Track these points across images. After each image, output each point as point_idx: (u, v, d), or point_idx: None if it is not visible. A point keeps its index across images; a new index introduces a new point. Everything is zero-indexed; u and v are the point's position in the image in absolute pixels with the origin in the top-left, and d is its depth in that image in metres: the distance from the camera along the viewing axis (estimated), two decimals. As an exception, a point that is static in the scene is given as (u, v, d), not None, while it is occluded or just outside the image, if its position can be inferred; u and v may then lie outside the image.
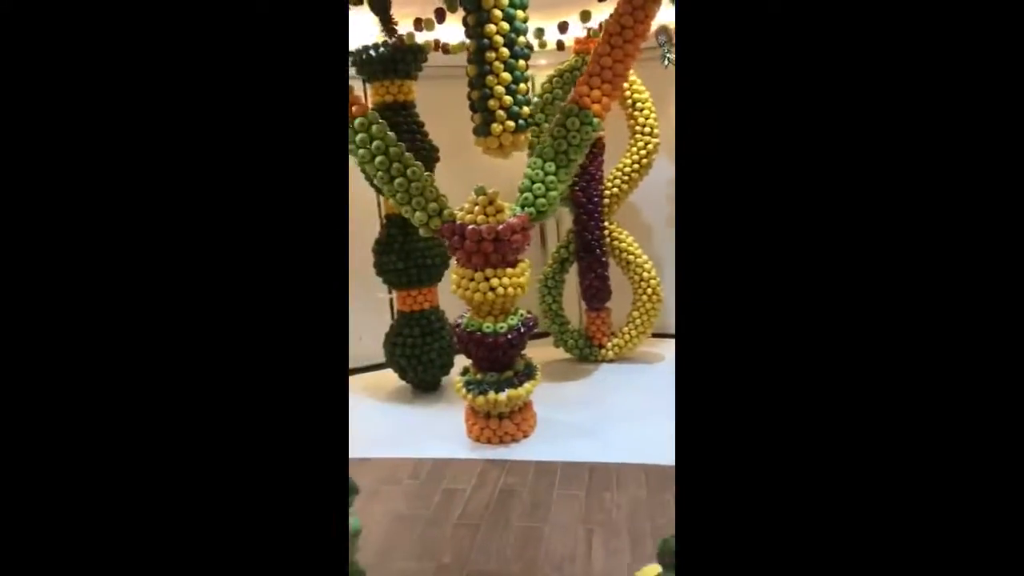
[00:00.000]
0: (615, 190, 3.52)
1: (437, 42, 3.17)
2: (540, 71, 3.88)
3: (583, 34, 3.30)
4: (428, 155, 3.17)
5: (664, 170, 3.76)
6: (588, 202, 3.45)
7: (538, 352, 3.90)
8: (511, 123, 2.27)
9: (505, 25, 2.19)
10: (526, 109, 2.31)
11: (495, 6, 2.16)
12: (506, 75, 2.23)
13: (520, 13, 2.22)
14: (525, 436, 2.85)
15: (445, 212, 2.56)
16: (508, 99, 2.25)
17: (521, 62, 2.27)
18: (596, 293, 3.57)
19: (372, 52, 2.90)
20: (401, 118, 3.09)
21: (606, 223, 3.55)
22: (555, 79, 3.35)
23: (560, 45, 3.40)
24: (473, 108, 2.35)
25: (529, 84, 2.36)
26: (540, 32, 3.07)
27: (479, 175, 2.98)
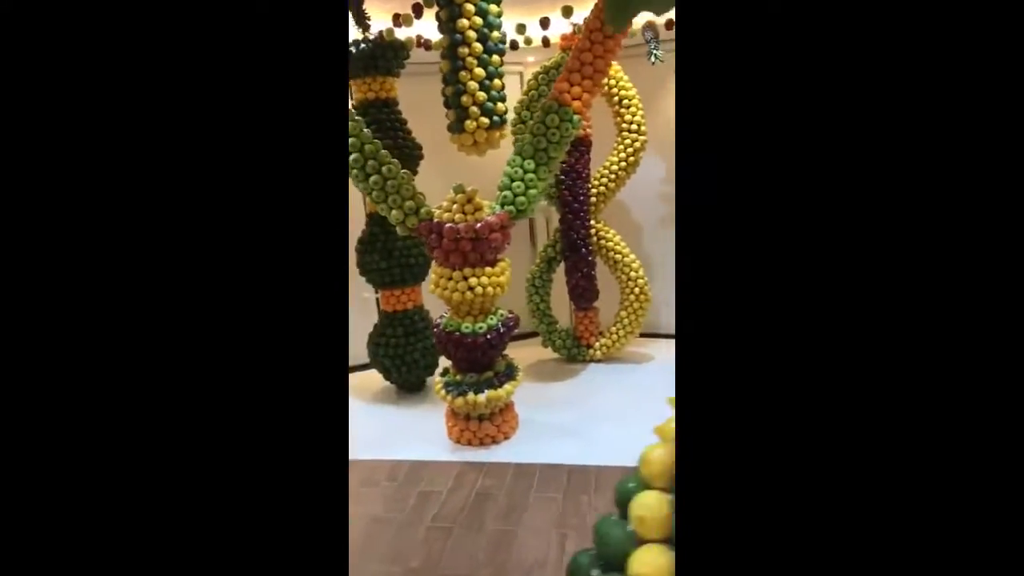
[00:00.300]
0: (602, 188, 3.47)
1: (419, 38, 3.14)
2: (528, 68, 3.85)
3: (568, 30, 3.26)
4: (411, 153, 3.13)
5: (655, 169, 3.71)
6: (574, 201, 3.41)
7: (526, 352, 3.88)
8: (485, 120, 2.23)
9: (478, 20, 2.15)
10: (501, 106, 2.27)
11: (467, 0, 2.12)
12: (479, 71, 2.19)
13: (494, 8, 2.18)
14: (506, 438, 2.82)
15: (422, 210, 2.53)
16: (482, 95, 2.21)
17: (495, 57, 2.23)
18: (583, 293, 3.53)
19: (353, 49, 2.87)
20: (383, 115, 3.06)
21: (593, 222, 3.50)
22: (541, 76, 3.31)
23: (546, 41, 3.36)
24: (447, 104, 2.31)
25: (504, 80, 2.31)
26: (522, 28, 3.03)
27: (465, 173, 2.95)
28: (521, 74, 3.88)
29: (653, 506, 0.62)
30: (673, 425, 0.70)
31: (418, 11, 2.53)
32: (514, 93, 3.55)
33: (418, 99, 3.25)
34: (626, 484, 0.68)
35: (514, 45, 3.26)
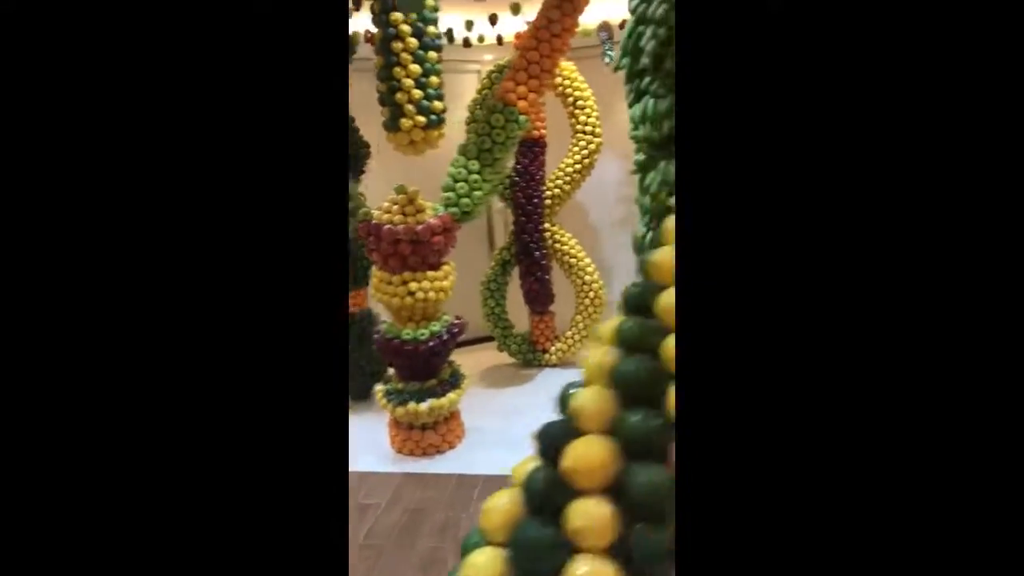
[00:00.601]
0: (557, 191, 3.40)
1: (367, 33, 3.02)
2: (485, 66, 3.77)
3: (523, 28, 3.18)
4: (357, 151, 3.02)
5: (612, 171, 3.66)
6: (527, 203, 3.33)
7: (481, 356, 3.79)
8: (421, 118, 2.14)
9: (412, 13, 2.05)
10: (438, 104, 2.18)
11: (402, -8, 2.03)
12: (415, 67, 2.09)
13: (429, 1, 2.09)
14: (451, 447, 2.73)
15: (360, 211, 2.42)
16: (418, 93, 2.11)
17: (432, 53, 2.13)
18: (537, 297, 3.46)
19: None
20: (328, 112, 2.95)
21: (547, 225, 3.43)
22: (494, 75, 3.22)
23: (499, 40, 3.28)
24: (382, 102, 2.21)
25: (460, 78, 2.22)
26: (470, 24, 2.94)
27: (417, 173, 2.85)
28: (479, 72, 3.79)
29: (483, 568, 0.54)
30: (530, 465, 0.63)
31: (357, 2, 2.42)
32: (472, 92, 3.46)
33: (366, 96, 3.13)
34: (469, 539, 0.60)
35: (467, 43, 3.18)
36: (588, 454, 0.54)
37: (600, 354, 0.63)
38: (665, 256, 0.64)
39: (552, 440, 0.59)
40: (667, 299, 0.61)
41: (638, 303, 0.64)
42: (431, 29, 2.12)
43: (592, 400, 0.59)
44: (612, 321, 0.65)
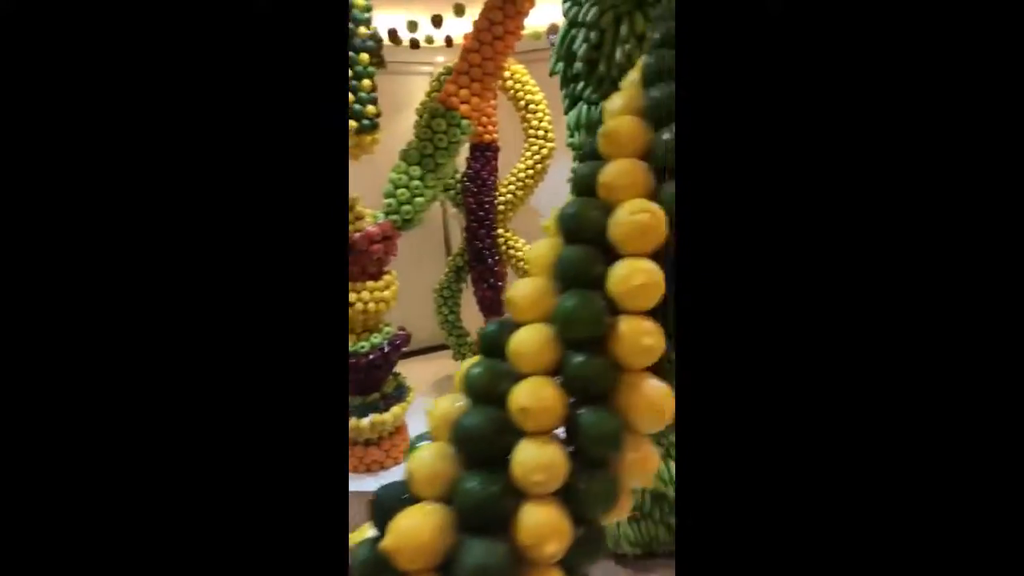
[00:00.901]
0: (510, 196, 3.34)
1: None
2: (437, 68, 3.68)
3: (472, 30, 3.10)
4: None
5: (566, 175, 3.60)
6: (479, 209, 3.25)
7: (436, 365, 3.71)
8: (354, 123, 2.04)
9: (341, 13, 1.96)
10: (371, 108, 2.09)
11: (330, -8, 1.93)
12: (344, 69, 2.00)
13: (360, 1, 2.00)
14: (396, 463, 2.63)
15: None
16: (348, 96, 2.02)
17: (363, 56, 2.04)
18: (491, 304, 3.38)
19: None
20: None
21: (501, 231, 3.36)
22: (443, 77, 3.13)
23: (449, 41, 3.20)
24: (311, 105, 2.11)
25: (375, 81, 2.12)
26: (413, 25, 2.85)
27: (359, 178, 2.74)
28: (431, 74, 3.71)
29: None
30: (366, 534, 0.55)
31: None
32: (423, 95, 3.37)
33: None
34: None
35: (415, 44, 3.09)
36: (412, 529, 0.47)
37: (447, 403, 0.56)
38: (524, 290, 0.57)
39: (386, 507, 0.51)
40: (519, 340, 0.54)
41: (493, 344, 0.57)
42: (362, 30, 2.02)
43: (428, 460, 0.51)
44: (466, 363, 0.57)
